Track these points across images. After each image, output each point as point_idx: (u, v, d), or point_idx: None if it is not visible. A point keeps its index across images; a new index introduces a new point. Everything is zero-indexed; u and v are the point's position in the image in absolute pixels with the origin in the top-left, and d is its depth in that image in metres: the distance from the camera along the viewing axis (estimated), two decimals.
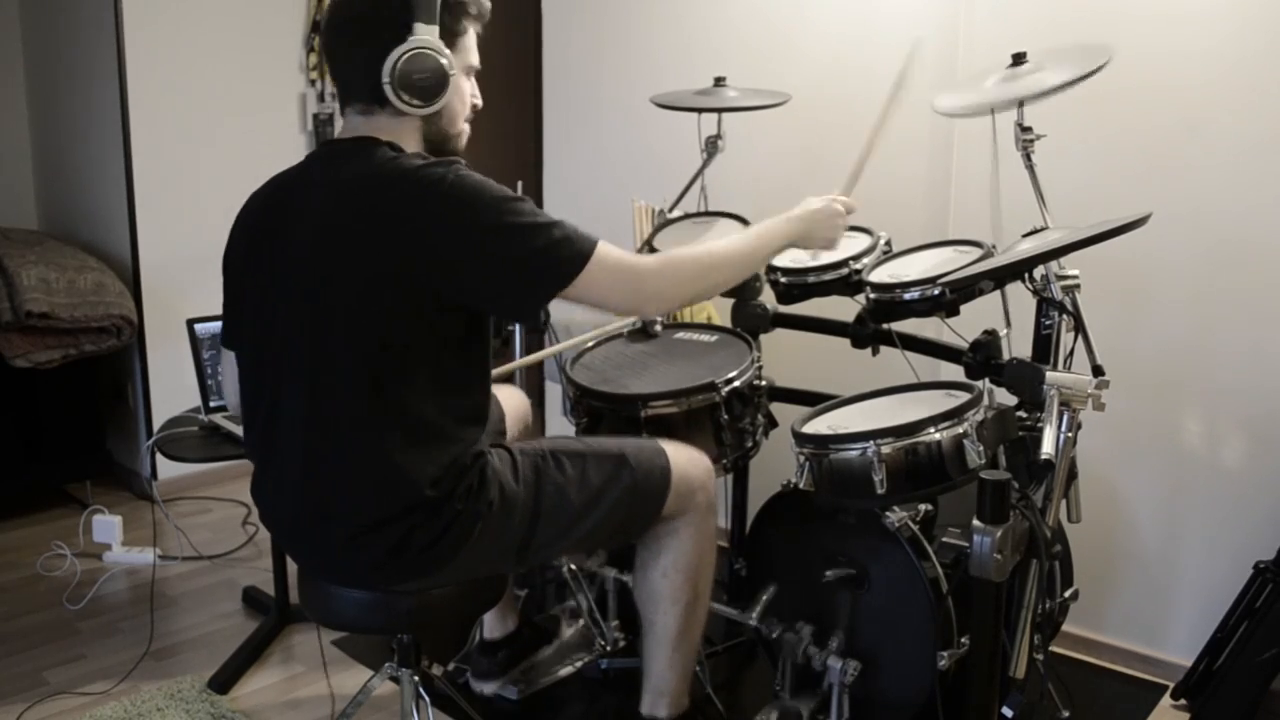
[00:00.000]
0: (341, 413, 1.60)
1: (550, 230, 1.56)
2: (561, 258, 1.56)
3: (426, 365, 1.60)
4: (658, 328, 2.48)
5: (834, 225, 1.95)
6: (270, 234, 1.67)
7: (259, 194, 1.74)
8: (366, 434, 1.59)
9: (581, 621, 2.49)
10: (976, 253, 2.11)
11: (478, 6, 1.69)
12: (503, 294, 1.58)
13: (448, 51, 1.62)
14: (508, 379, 2.45)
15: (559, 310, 2.32)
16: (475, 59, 1.73)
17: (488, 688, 2.34)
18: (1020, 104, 2.03)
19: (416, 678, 1.90)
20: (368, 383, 1.58)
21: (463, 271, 1.55)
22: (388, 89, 1.59)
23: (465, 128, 1.74)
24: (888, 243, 2.33)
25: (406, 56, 1.58)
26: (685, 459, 1.92)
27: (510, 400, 2.22)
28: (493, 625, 2.37)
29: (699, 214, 2.63)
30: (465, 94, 1.72)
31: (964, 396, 1.92)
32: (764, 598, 2.15)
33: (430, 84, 1.61)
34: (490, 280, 1.56)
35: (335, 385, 1.59)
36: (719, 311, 2.72)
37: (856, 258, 2.27)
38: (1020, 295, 2.06)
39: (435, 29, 1.60)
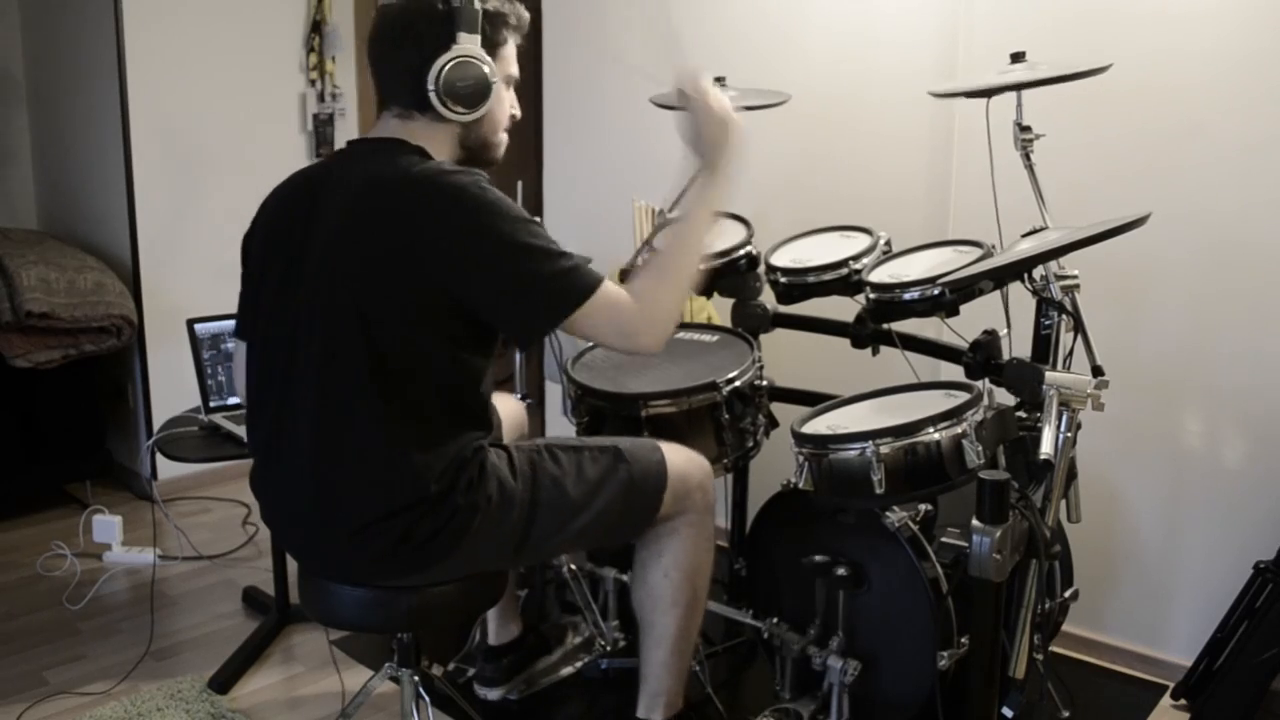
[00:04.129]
0: (351, 409, 1.61)
1: (562, 258, 1.58)
2: (571, 285, 1.58)
3: (435, 364, 1.61)
4: None
5: (723, 133, 1.86)
6: (289, 230, 1.69)
7: (281, 188, 1.77)
8: (375, 430, 1.60)
9: (586, 630, 2.49)
10: (976, 253, 2.11)
11: (517, 18, 1.74)
12: (511, 310, 1.60)
13: (490, 60, 1.66)
14: (505, 384, 2.44)
15: None
16: (515, 69, 1.77)
17: (493, 694, 2.34)
18: (1019, 101, 2.03)
19: (416, 678, 1.91)
20: (378, 380, 1.59)
21: (476, 280, 1.57)
22: (432, 95, 1.63)
23: (504, 137, 1.78)
24: (888, 243, 2.33)
25: (451, 64, 1.62)
26: (683, 458, 1.92)
27: (506, 407, 2.22)
28: (498, 631, 2.37)
29: None
30: (506, 103, 1.76)
31: (963, 396, 1.92)
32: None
33: (473, 91, 1.65)
34: (501, 295, 1.58)
35: (346, 381, 1.60)
36: (719, 311, 2.72)
37: (856, 258, 2.27)
38: (1020, 295, 2.06)
39: (477, 39, 1.65)
